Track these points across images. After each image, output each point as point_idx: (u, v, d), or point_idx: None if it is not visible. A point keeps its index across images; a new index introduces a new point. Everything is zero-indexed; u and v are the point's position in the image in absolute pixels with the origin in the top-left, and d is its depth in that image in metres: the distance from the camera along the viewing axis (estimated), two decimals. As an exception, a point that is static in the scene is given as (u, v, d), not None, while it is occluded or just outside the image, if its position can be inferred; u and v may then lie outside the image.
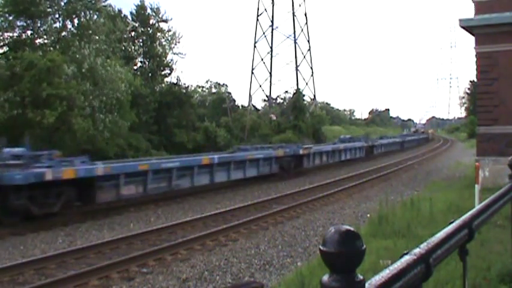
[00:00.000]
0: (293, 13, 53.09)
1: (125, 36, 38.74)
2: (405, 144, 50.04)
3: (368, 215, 12.75)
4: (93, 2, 27.99)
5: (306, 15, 54.43)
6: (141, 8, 41.01)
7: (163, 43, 41.89)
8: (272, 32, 53.23)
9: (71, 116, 22.54)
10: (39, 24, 26.98)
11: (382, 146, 40.67)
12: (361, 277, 1.21)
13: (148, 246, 10.03)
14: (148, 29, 41.12)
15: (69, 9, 27.28)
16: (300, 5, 53.78)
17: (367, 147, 34.87)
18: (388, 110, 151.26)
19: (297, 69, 53.09)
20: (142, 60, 41.67)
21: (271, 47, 53.09)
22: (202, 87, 65.55)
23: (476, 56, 17.12)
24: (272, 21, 53.07)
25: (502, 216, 6.90)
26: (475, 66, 17.28)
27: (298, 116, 48.94)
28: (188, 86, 44.78)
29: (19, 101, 22.00)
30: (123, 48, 38.07)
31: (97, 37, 27.79)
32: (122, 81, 26.90)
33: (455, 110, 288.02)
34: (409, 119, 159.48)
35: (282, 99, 75.15)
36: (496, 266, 5.80)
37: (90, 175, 13.03)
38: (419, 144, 59.40)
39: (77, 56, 25.13)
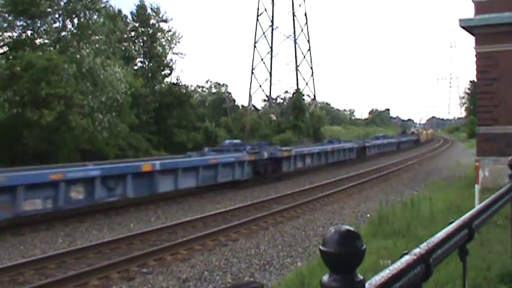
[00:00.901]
0: (293, 13, 53.15)
1: (125, 36, 38.76)
2: (370, 151, 36.60)
3: (368, 215, 12.76)
4: (93, 2, 27.98)
5: (306, 15, 54.51)
6: (141, 8, 41.04)
7: (163, 43, 41.92)
8: (272, 32, 53.29)
9: (69, 114, 22.55)
10: (39, 24, 26.99)
11: (306, 157, 25.53)
12: (361, 277, 1.21)
13: (148, 246, 10.04)
14: (149, 29, 41.15)
15: (69, 9, 27.30)
16: (300, 5, 53.85)
17: (258, 163, 20.72)
18: (388, 110, 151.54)
19: (297, 69, 53.14)
20: (142, 60, 41.71)
21: (271, 47, 53.13)
22: (202, 87, 65.68)
23: (476, 56, 17.13)
24: (272, 21, 53.11)
25: (502, 216, 6.90)
26: (475, 66, 17.28)
27: (298, 116, 48.98)
28: (188, 86, 44.85)
29: (18, 100, 22.02)
30: (123, 48, 38.10)
31: (97, 37, 27.80)
32: (122, 82, 26.90)
33: (455, 110, 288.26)
34: (409, 119, 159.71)
35: (282, 99, 75.22)
36: (496, 266, 5.81)
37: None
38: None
39: (77, 56, 25.13)
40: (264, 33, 53.04)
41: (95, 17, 28.43)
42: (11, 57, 24.31)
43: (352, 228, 1.22)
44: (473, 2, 17.03)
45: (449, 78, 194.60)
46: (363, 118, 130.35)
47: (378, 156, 36.86)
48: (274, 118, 52.10)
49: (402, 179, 21.91)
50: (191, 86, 52.76)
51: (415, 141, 58.62)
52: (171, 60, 42.86)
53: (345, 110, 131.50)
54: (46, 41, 27.59)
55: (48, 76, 22.27)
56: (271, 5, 53.43)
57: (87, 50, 25.47)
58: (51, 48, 26.62)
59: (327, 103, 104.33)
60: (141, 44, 41.33)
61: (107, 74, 25.65)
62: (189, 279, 8.07)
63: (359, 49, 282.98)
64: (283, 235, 11.11)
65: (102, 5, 29.39)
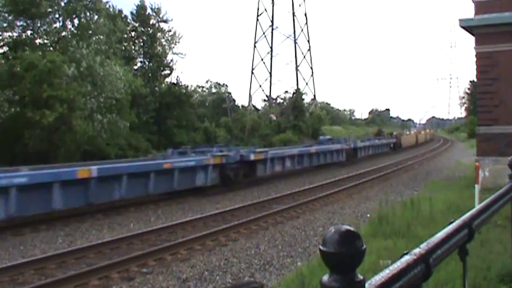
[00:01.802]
0: (293, 13, 53.16)
1: (125, 36, 38.74)
2: (263, 169, 21.23)
3: (368, 215, 12.76)
4: (93, 2, 27.97)
5: (306, 15, 54.52)
6: (141, 8, 41.04)
7: (164, 43, 41.91)
8: (272, 32, 53.31)
9: (71, 117, 22.55)
10: (39, 24, 26.98)
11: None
12: (361, 277, 1.21)
13: (148, 246, 10.03)
14: (149, 29, 41.14)
15: (69, 10, 27.29)
16: (300, 5, 53.87)
17: None
18: (388, 110, 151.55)
19: (297, 69, 53.15)
20: (142, 60, 41.71)
21: (271, 47, 53.14)
22: (202, 87, 65.69)
23: (476, 56, 17.12)
24: (272, 21, 53.13)
25: (502, 216, 6.90)
26: (475, 66, 17.28)
27: (298, 116, 49.00)
28: (188, 86, 44.85)
29: (18, 101, 22.01)
30: (123, 48, 38.09)
31: (97, 37, 27.80)
32: (121, 80, 26.87)
33: (455, 110, 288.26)
34: (409, 119, 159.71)
35: (282, 99, 75.19)
36: (496, 266, 5.80)
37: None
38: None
39: (77, 55, 25.12)
40: (264, 33, 53.08)
41: (95, 17, 28.43)
42: (10, 57, 24.31)
43: (352, 228, 1.22)
44: (473, 2, 17.02)
45: (449, 78, 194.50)
46: (363, 118, 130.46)
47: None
48: (274, 118, 52.10)
49: (402, 179, 21.91)
50: (191, 86, 52.76)
51: (393, 146, 44.72)
52: (171, 60, 42.90)
53: (345, 110, 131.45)
54: (46, 41, 27.59)
55: (51, 78, 22.26)
56: (271, 5, 53.46)
57: (87, 50, 25.45)
58: (51, 48, 26.61)
59: (327, 103, 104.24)
60: (141, 44, 41.32)
61: (106, 73, 25.64)
62: (189, 279, 8.07)
63: (359, 49, 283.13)
64: (283, 235, 11.11)
65: (102, 6, 29.39)
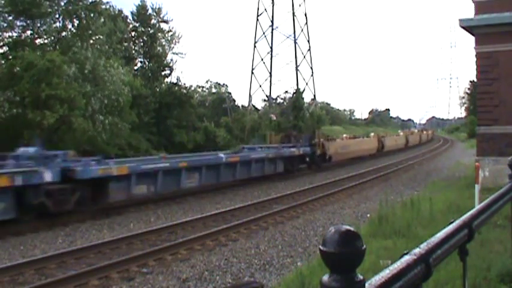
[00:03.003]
0: (293, 13, 53.07)
1: (125, 36, 38.73)
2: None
3: (368, 215, 12.75)
4: (94, 4, 27.93)
5: (306, 15, 54.43)
6: (141, 8, 41.04)
7: (164, 43, 41.90)
8: (272, 32, 53.22)
9: (71, 117, 22.53)
10: (39, 24, 26.97)
11: None
12: (361, 277, 1.21)
13: (148, 246, 10.04)
14: (149, 29, 41.13)
15: (69, 10, 27.28)
16: (300, 5, 53.76)
17: None
18: (388, 110, 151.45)
19: (297, 69, 53.07)
20: (142, 60, 41.69)
21: (271, 47, 53.07)
22: (202, 87, 65.65)
23: (476, 56, 17.12)
24: (272, 21, 53.06)
25: (502, 216, 6.90)
26: (475, 66, 17.27)
27: (298, 116, 48.92)
28: (188, 86, 44.81)
29: (18, 101, 21.99)
30: (124, 48, 38.08)
31: (97, 37, 27.78)
32: (124, 83, 26.85)
33: (455, 110, 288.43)
34: (409, 119, 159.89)
35: (282, 99, 75.13)
36: (496, 266, 5.80)
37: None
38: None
39: (79, 56, 25.09)
40: (264, 33, 52.99)
41: (96, 18, 28.39)
42: (10, 57, 24.29)
43: (352, 228, 1.22)
44: (473, 2, 17.02)
45: (449, 78, 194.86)
46: (363, 118, 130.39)
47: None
48: (274, 118, 52.03)
49: (402, 179, 21.89)
50: (191, 86, 52.68)
51: (309, 161, 26.58)
52: (171, 60, 42.89)
53: (345, 110, 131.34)
54: (46, 41, 27.57)
55: (49, 77, 22.23)
56: (271, 5, 53.37)
57: (90, 52, 25.42)
58: (51, 48, 26.59)
59: (327, 103, 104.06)
60: (142, 44, 41.31)
61: (109, 76, 25.62)
62: (189, 279, 8.07)
63: (359, 49, 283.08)
64: (283, 235, 11.10)
65: (103, 6, 29.37)
